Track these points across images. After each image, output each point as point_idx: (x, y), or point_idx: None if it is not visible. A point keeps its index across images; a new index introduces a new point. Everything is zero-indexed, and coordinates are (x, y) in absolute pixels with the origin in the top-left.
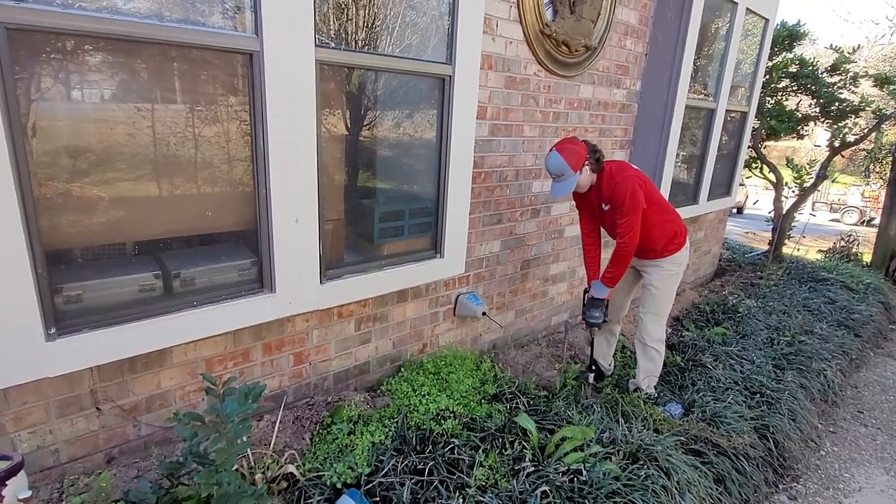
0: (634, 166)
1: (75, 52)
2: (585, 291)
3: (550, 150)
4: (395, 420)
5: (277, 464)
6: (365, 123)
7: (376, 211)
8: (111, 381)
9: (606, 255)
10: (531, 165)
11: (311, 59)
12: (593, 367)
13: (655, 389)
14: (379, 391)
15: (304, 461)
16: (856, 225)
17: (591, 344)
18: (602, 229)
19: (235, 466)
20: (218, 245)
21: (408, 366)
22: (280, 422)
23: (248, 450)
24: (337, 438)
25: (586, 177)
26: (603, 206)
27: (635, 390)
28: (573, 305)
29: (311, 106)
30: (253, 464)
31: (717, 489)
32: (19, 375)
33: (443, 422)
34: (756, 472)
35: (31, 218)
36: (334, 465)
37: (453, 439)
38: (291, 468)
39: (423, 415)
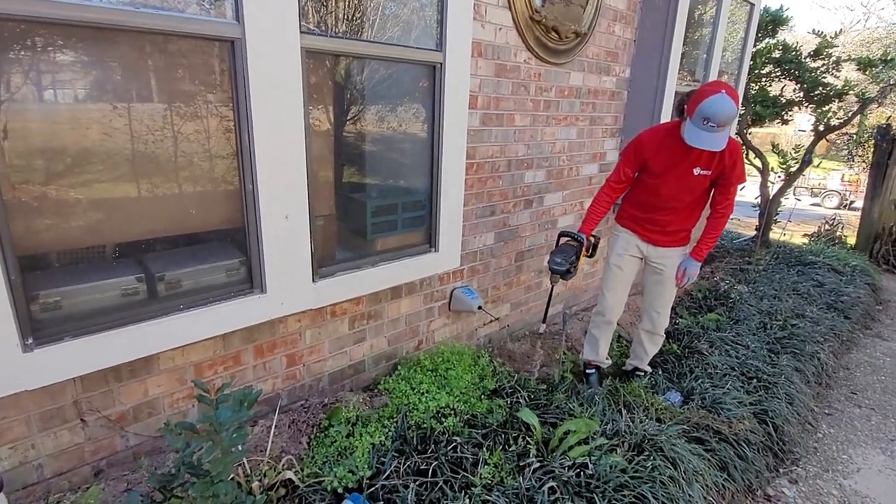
0: None
1: (47, 46)
2: (561, 235)
3: (716, 93)
4: (395, 420)
5: (275, 470)
6: (354, 115)
7: (368, 205)
8: (95, 390)
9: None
10: (523, 155)
11: (297, 47)
12: (544, 321)
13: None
14: (376, 390)
15: (303, 466)
16: (836, 209)
17: (550, 294)
18: (646, 196)
19: (231, 475)
20: (204, 245)
21: (404, 363)
22: (275, 426)
23: (244, 457)
24: (335, 441)
25: None
26: (697, 170)
27: (634, 370)
28: (568, 296)
29: (298, 97)
30: (249, 472)
31: (721, 476)
32: None
33: (443, 420)
34: (757, 458)
35: (1, 222)
36: (334, 470)
37: (455, 437)
38: (290, 474)
39: (424, 413)
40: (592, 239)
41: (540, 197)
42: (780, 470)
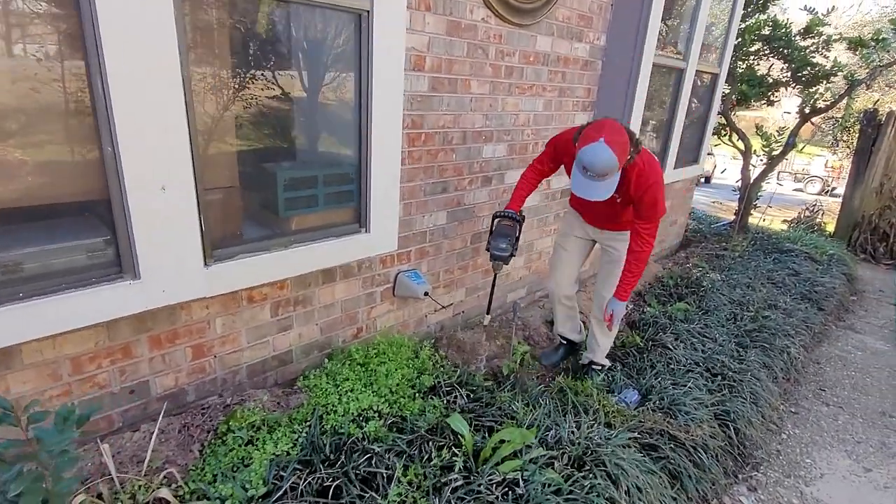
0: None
1: None
2: (495, 217)
3: (594, 140)
4: (308, 423)
5: (148, 487)
6: (260, 69)
7: (279, 177)
8: None
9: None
10: (480, 127)
11: None
12: (488, 312)
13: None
14: (295, 388)
15: (188, 481)
16: (818, 194)
17: (493, 283)
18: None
19: (82, 499)
20: (57, 220)
21: (336, 355)
22: (161, 431)
23: (114, 472)
24: (233, 450)
25: None
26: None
27: (589, 363)
28: (531, 281)
29: (170, 37)
30: (119, 489)
31: (672, 488)
32: None
33: (365, 424)
34: (714, 464)
35: None
36: (220, 487)
37: (374, 445)
38: (165, 492)
39: (342, 416)
40: (521, 214)
41: (500, 174)
42: (739, 476)
